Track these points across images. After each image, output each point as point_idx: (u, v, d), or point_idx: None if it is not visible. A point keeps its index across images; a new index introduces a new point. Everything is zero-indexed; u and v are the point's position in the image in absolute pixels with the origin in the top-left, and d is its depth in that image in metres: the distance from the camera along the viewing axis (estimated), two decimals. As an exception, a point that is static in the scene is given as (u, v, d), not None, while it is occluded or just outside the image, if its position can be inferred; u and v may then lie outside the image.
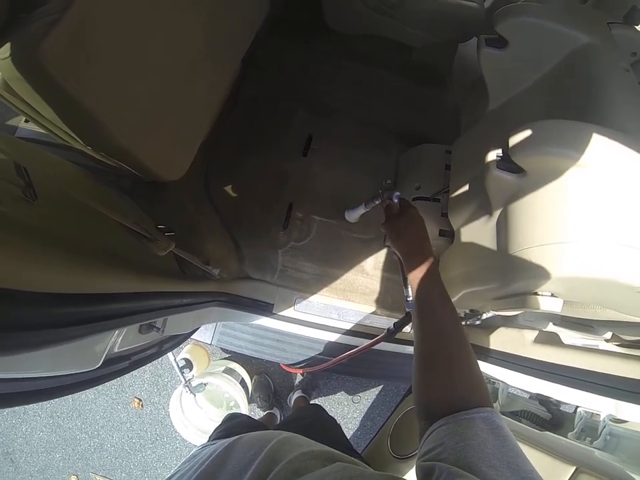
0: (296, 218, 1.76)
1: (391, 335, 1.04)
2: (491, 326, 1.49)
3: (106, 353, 0.82)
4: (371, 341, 1.23)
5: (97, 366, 0.79)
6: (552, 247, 0.87)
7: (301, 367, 1.88)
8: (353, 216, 1.14)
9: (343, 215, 1.19)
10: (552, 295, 0.93)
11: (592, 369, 1.02)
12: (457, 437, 0.46)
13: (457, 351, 0.61)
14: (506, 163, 0.98)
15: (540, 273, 0.88)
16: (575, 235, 0.84)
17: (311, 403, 2.25)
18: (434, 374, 0.60)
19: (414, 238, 0.80)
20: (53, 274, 0.55)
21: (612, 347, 1.25)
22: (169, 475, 0.64)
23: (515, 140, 0.95)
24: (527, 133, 0.92)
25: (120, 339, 0.88)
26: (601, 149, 0.86)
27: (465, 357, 0.60)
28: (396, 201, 0.89)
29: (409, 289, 0.90)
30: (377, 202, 1.00)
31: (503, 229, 1.04)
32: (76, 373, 0.76)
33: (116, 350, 0.88)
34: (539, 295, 0.94)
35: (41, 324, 0.51)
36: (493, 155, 1.01)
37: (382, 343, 1.23)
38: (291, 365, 1.90)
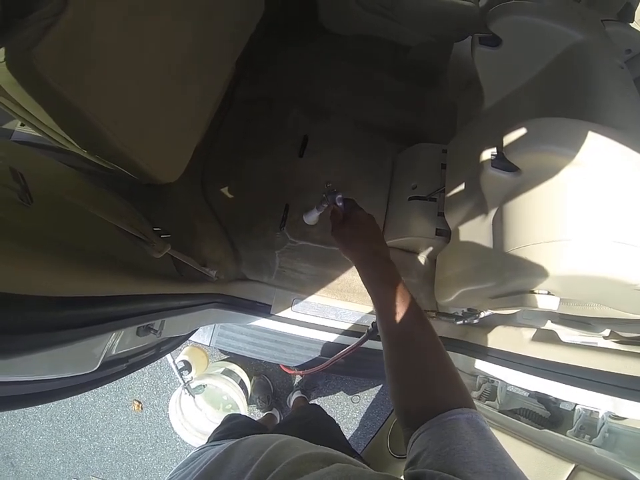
0: (292, 219, 1.76)
1: (371, 334, 1.03)
2: (489, 324, 1.50)
3: (103, 355, 0.82)
4: (357, 340, 1.21)
5: (95, 368, 0.79)
6: (548, 245, 0.87)
7: (299, 369, 1.88)
8: (310, 219, 1.13)
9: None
10: (549, 293, 0.93)
11: (590, 367, 1.02)
12: (441, 441, 0.45)
13: (427, 351, 0.59)
14: (501, 161, 0.98)
15: (536, 271, 0.88)
16: (571, 233, 0.84)
17: (310, 403, 2.25)
18: (409, 378, 0.58)
19: (363, 244, 0.75)
20: (49, 277, 0.55)
21: (610, 344, 1.26)
22: (166, 478, 0.64)
23: (509, 138, 0.95)
24: (521, 131, 0.93)
25: (117, 341, 0.88)
26: (596, 147, 0.86)
27: (437, 355, 0.59)
28: (340, 204, 0.85)
29: None
30: (326, 205, 0.95)
31: (499, 228, 1.04)
32: (74, 376, 0.76)
33: (113, 352, 0.88)
34: (535, 293, 0.94)
35: (39, 327, 0.51)
36: (487, 154, 1.01)
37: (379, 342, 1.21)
38: (289, 365, 1.91)
